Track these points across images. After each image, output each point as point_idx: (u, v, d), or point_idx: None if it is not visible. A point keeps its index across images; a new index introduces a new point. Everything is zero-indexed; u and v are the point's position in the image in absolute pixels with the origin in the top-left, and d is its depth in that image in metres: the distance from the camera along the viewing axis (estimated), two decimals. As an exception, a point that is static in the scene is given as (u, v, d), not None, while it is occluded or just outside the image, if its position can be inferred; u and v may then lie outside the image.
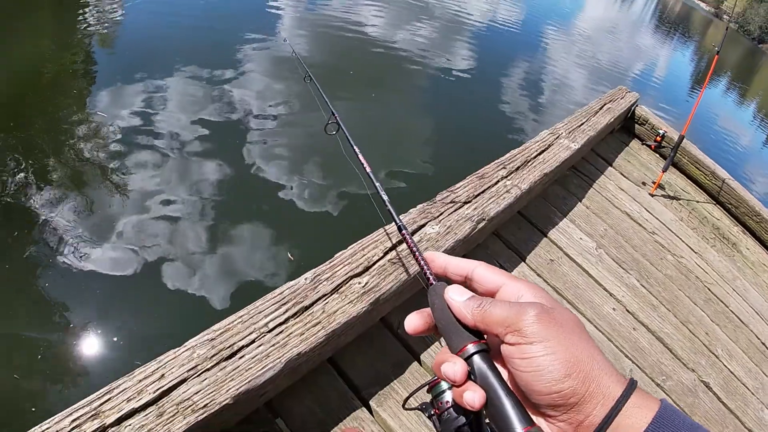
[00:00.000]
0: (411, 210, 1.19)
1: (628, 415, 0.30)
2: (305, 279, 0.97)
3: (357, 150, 0.83)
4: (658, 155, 2.36)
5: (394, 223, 0.57)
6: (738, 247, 2.23)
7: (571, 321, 0.34)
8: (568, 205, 1.75)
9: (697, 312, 1.74)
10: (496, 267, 0.37)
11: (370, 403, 1.03)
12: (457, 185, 1.30)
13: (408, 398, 0.43)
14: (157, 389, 0.78)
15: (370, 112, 3.77)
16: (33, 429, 0.71)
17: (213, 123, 3.14)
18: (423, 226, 1.14)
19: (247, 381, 0.82)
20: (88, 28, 4.01)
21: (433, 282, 0.38)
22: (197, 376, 0.81)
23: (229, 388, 0.81)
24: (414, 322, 0.37)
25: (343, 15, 5.33)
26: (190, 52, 3.84)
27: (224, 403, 0.79)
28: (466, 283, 0.38)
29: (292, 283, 0.97)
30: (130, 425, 0.74)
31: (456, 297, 0.35)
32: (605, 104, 2.13)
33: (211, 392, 0.80)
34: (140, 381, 0.78)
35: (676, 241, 1.97)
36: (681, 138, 2.05)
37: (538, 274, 1.46)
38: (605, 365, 0.32)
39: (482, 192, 1.30)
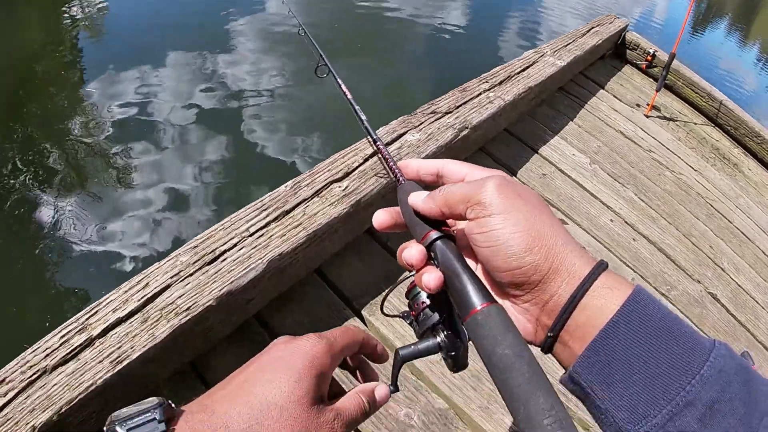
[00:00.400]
0: (391, 122, 1.16)
1: (597, 296, 0.28)
2: (285, 186, 0.96)
3: (340, 82, 0.81)
4: (651, 79, 2.29)
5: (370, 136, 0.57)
6: (740, 168, 2.18)
7: (534, 196, 0.32)
8: (558, 124, 1.71)
9: (700, 226, 1.71)
10: (464, 162, 0.36)
11: (362, 312, 1.02)
12: (439, 98, 1.27)
13: (384, 300, 0.43)
14: (142, 297, 0.78)
15: (359, 66, 3.73)
16: (25, 351, 0.72)
17: (211, 94, 3.15)
18: (403, 134, 1.12)
19: (229, 282, 0.81)
20: (75, 19, 4.01)
21: (402, 182, 0.38)
22: (180, 281, 0.81)
23: (212, 290, 0.80)
24: (381, 217, 0.38)
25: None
26: (180, 31, 3.83)
27: (207, 304, 0.79)
28: (438, 181, 0.37)
29: (272, 192, 0.96)
30: (115, 333, 0.74)
31: (418, 197, 0.35)
32: (592, 28, 2.07)
33: (194, 295, 0.79)
34: (125, 292, 0.79)
35: (675, 159, 1.92)
36: (672, 56, 1.99)
37: (531, 188, 1.43)
38: (571, 242, 0.30)
39: (464, 103, 1.27)
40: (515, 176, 1.44)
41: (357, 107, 0.77)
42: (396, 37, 4.43)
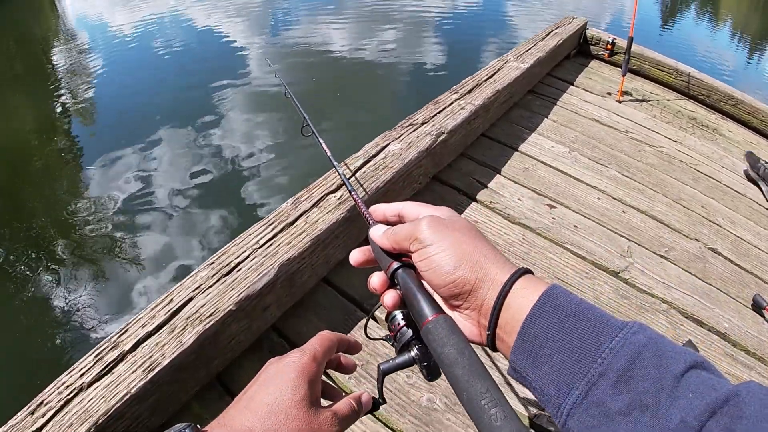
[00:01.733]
0: (375, 138, 1.29)
1: (517, 296, 0.34)
2: (286, 204, 1.08)
3: (321, 141, 0.91)
4: (618, 68, 2.42)
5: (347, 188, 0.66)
6: (719, 131, 2.25)
7: (462, 225, 0.40)
8: (534, 123, 1.82)
9: (688, 190, 1.77)
10: (421, 202, 0.44)
11: (375, 314, 1.10)
12: (414, 113, 1.40)
13: (366, 325, 0.53)
14: (168, 311, 0.87)
15: (340, 115, 3.90)
16: (61, 374, 0.78)
17: (207, 164, 3.26)
18: (386, 146, 1.24)
19: (246, 288, 0.91)
20: (66, 108, 4.20)
21: (372, 224, 0.46)
22: (202, 292, 0.90)
23: (231, 296, 0.90)
24: (355, 255, 0.46)
25: (308, 39, 5.57)
26: (169, 110, 4.01)
27: (228, 309, 0.88)
28: (401, 220, 0.44)
29: (275, 210, 1.07)
30: (146, 345, 0.81)
31: (377, 233, 0.43)
32: (551, 31, 2.22)
33: (216, 302, 0.89)
34: (152, 309, 0.88)
35: (653, 135, 2.01)
36: (630, 40, 2.12)
37: (515, 182, 1.52)
38: (494, 258, 0.37)
39: (438, 113, 1.40)
40: (499, 174, 1.54)
41: (336, 163, 0.88)
42: (374, 83, 4.61)
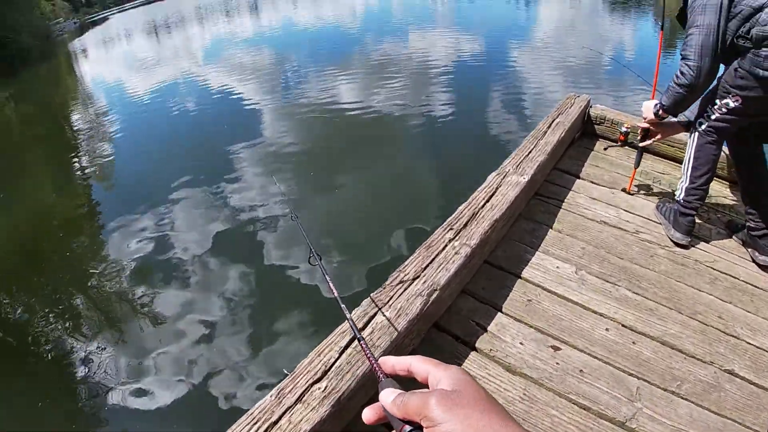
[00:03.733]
0: (362, 302, 1.27)
1: None
2: (270, 396, 1.07)
3: (328, 279, 0.91)
4: (628, 147, 2.33)
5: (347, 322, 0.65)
6: (736, 209, 2.14)
7: (474, 396, 0.38)
8: (538, 237, 1.77)
9: (704, 298, 1.68)
10: (427, 357, 0.44)
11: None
12: (405, 263, 1.38)
13: None
14: None
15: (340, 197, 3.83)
16: None
17: (224, 223, 3.37)
18: (374, 316, 1.22)
19: None
20: (84, 170, 4.42)
21: (382, 379, 0.46)
22: None
23: None
24: (367, 414, 0.44)
25: (316, 101, 5.62)
26: (186, 167, 4.16)
27: None
28: (410, 375, 0.44)
29: (260, 402, 1.06)
30: None
31: (386, 399, 0.42)
32: (554, 120, 2.17)
33: None
34: None
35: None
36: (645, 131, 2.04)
37: (518, 320, 1.48)
38: None
39: (430, 262, 1.37)
40: (500, 312, 1.50)
41: (343, 306, 0.86)
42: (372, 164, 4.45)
